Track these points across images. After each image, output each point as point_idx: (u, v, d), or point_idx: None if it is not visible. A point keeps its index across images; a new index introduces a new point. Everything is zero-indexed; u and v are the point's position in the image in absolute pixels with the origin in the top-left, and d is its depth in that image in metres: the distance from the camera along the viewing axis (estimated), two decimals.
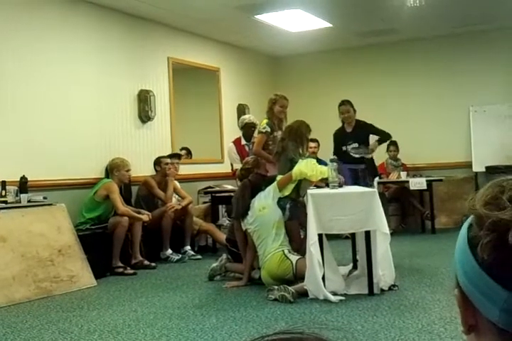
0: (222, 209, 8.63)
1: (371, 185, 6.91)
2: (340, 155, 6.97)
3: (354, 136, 7.25)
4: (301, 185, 5.80)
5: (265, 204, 5.69)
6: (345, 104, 7.24)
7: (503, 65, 9.77)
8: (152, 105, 8.24)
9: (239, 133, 8.29)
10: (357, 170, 7.15)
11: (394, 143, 9.67)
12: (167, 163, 7.72)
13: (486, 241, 0.76)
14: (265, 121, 6.54)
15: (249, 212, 5.72)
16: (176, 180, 7.94)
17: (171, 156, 7.97)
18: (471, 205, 0.81)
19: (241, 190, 5.95)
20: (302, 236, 5.81)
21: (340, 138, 7.40)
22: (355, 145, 7.21)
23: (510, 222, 0.75)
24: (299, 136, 6.01)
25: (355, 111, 7.26)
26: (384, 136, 7.32)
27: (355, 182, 6.77)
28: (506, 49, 9.74)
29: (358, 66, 10.73)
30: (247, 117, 8.28)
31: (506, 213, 0.76)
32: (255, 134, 7.77)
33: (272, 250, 5.51)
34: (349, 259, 6.45)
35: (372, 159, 7.59)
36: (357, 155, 7.17)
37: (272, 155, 6.17)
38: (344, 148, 7.28)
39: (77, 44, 7.30)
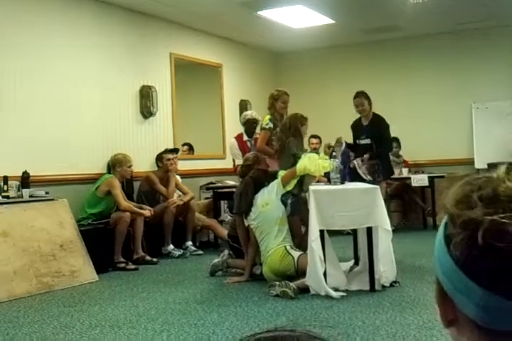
0: (224, 204, 8.64)
1: (379, 182, 6.60)
2: (354, 149, 6.90)
3: (368, 131, 6.94)
4: (304, 180, 5.80)
5: (268, 200, 5.70)
6: (359, 96, 6.91)
7: (505, 62, 9.76)
8: (154, 101, 8.23)
9: (241, 129, 8.28)
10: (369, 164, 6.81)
11: (396, 140, 9.66)
12: (169, 159, 7.72)
13: (458, 239, 0.78)
14: (268, 117, 6.55)
15: (252, 208, 5.72)
16: (177, 175, 7.95)
17: (169, 151, 7.96)
18: (444, 204, 0.82)
19: (244, 187, 5.94)
20: (303, 232, 5.81)
21: (355, 130, 7.12)
22: (368, 140, 6.90)
23: (480, 221, 0.76)
24: (295, 130, 6.02)
25: (370, 103, 6.92)
26: (381, 149, 6.96)
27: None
28: (509, 46, 9.73)
29: (361, 62, 10.72)
30: (249, 113, 8.27)
31: (476, 212, 0.77)
32: (257, 130, 7.77)
33: (274, 246, 5.52)
34: (350, 255, 6.45)
35: (388, 157, 7.25)
36: (365, 177, 6.67)
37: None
38: (358, 141, 7.03)
39: (79, 40, 7.29)
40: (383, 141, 6.98)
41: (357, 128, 7.12)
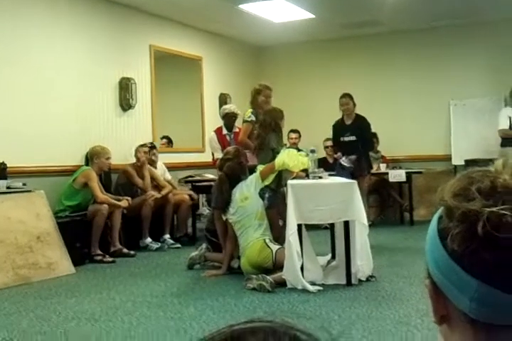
0: (202, 198, 8.62)
1: (364, 176, 7.50)
2: (338, 146, 7.85)
3: (352, 129, 7.65)
4: (283, 175, 5.81)
5: (247, 195, 5.69)
6: (345, 96, 7.70)
7: (483, 59, 9.82)
8: (133, 93, 8.19)
9: (220, 123, 8.27)
10: (352, 159, 7.52)
11: (374, 135, 9.70)
12: (144, 152, 7.69)
13: (455, 232, 0.78)
14: (250, 110, 6.54)
15: (231, 203, 5.72)
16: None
17: (141, 146, 7.93)
18: (441, 197, 0.82)
19: (218, 184, 5.94)
20: (281, 225, 5.82)
21: (339, 129, 7.83)
22: (353, 137, 7.59)
23: (480, 213, 0.76)
24: (275, 125, 6.03)
25: (354, 104, 7.70)
26: (364, 146, 7.72)
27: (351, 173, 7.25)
28: (487, 43, 9.78)
29: (341, 57, 10.73)
30: (228, 107, 8.25)
31: (475, 204, 0.77)
32: (237, 124, 7.77)
33: (254, 239, 5.52)
34: (328, 250, 6.46)
35: (368, 154, 7.97)
36: (346, 165, 7.47)
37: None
38: (342, 138, 7.74)
39: (57, 31, 7.23)
40: (365, 140, 7.76)
41: (340, 127, 7.83)
